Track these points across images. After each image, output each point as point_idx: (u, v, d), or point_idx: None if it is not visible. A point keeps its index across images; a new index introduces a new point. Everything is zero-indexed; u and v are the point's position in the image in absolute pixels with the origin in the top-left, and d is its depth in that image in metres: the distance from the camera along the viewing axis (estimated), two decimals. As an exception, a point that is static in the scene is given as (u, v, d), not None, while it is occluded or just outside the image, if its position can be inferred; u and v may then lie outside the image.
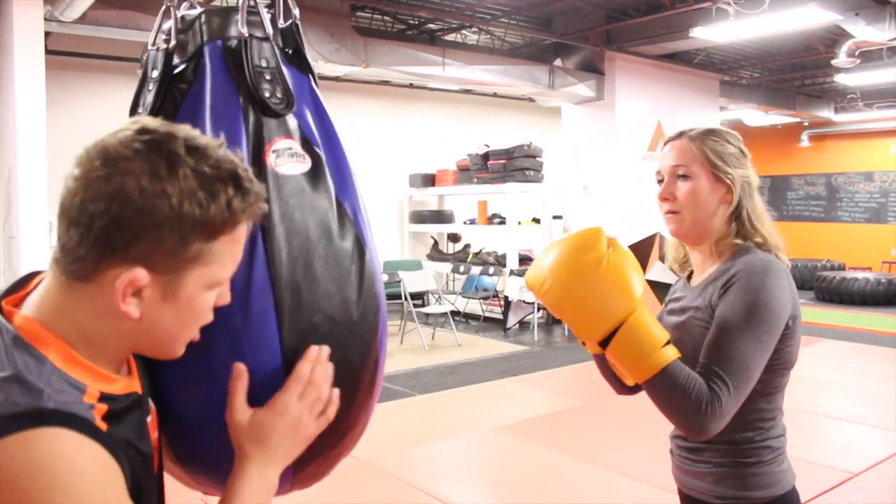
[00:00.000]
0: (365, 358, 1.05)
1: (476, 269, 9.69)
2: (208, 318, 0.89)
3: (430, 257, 10.82)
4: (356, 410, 1.07)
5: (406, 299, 8.34)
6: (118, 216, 0.77)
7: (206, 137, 0.84)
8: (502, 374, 6.81)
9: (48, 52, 5.50)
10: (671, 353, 1.32)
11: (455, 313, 9.18)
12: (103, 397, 0.81)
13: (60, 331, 0.81)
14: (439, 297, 9.33)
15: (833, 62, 8.23)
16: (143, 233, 0.78)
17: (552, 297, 1.34)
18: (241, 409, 0.93)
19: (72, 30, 5.99)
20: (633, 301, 1.30)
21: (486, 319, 9.55)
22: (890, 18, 6.83)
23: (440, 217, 11.05)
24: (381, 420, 5.42)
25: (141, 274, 0.79)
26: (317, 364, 0.97)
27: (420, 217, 11.03)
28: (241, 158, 0.85)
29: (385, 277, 8.50)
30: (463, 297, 9.69)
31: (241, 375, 0.93)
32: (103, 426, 0.78)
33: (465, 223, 10.71)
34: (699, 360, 1.39)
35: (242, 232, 0.86)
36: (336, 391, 0.99)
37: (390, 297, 9.10)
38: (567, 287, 1.32)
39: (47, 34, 5.61)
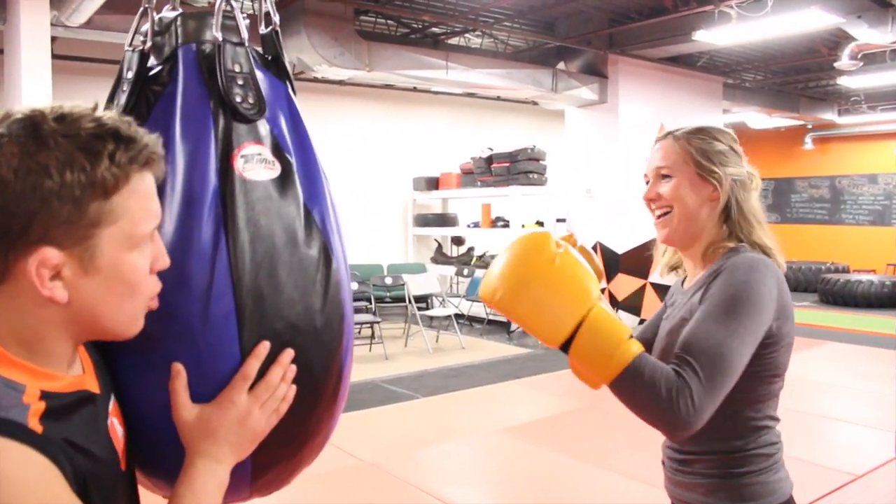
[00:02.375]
0: (328, 366, 1.05)
1: (480, 272, 9.69)
2: (147, 284, 0.86)
3: (434, 260, 10.83)
4: (317, 419, 1.07)
5: (410, 302, 8.35)
6: (4, 206, 0.75)
7: (78, 105, 0.82)
8: (506, 376, 6.83)
9: (54, 56, 5.54)
10: (635, 348, 1.23)
11: (459, 316, 9.19)
12: (44, 395, 0.78)
13: None
14: (443, 299, 9.34)
15: (836, 65, 8.22)
16: (34, 212, 0.75)
17: (506, 305, 1.24)
18: (185, 407, 0.93)
19: (78, 34, 6.04)
20: (590, 298, 1.23)
21: (490, 322, 9.57)
22: (892, 21, 6.83)
23: (444, 220, 11.07)
24: (385, 422, 5.46)
25: (50, 253, 0.76)
26: (273, 363, 0.97)
27: (424, 220, 11.05)
28: (120, 113, 0.84)
29: (389, 280, 8.52)
30: (467, 299, 9.69)
31: (179, 374, 0.93)
32: (38, 428, 0.75)
33: (468, 226, 10.72)
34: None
35: (143, 183, 0.83)
36: (292, 388, 0.99)
37: (395, 299, 9.13)
38: (519, 292, 1.23)
39: (53, 39, 5.65)
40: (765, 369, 1.40)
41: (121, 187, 0.80)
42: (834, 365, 7.12)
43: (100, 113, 0.82)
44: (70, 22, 5.55)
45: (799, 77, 10.77)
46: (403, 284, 8.43)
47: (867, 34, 6.99)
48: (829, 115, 12.61)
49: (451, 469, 4.54)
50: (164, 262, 0.88)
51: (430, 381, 6.68)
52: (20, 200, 0.75)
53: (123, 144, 0.80)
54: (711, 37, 7.12)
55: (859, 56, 7.82)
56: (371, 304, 8.54)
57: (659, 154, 1.53)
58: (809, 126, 13.75)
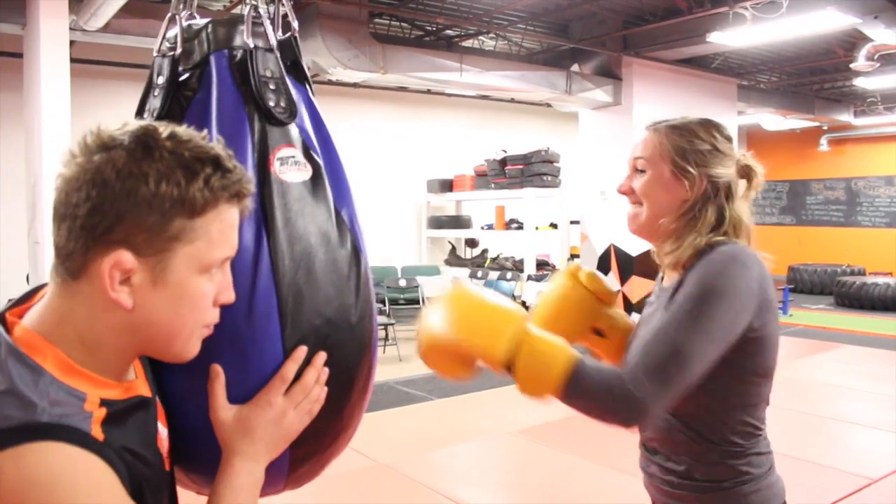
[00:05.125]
0: (360, 361, 1.09)
1: (494, 275, 9.71)
2: (208, 312, 0.88)
3: (448, 262, 10.84)
4: (349, 412, 1.10)
5: (424, 304, 8.37)
6: (98, 202, 0.78)
7: (190, 130, 0.86)
8: (520, 378, 6.81)
9: (73, 60, 5.59)
10: (575, 353, 1.26)
11: (472, 318, 9.17)
12: (103, 403, 0.81)
13: (59, 339, 0.81)
14: (457, 301, 9.33)
15: (852, 66, 8.18)
16: (123, 215, 0.78)
17: (453, 339, 1.26)
18: (223, 407, 0.96)
19: (95, 38, 6.09)
20: (519, 316, 1.26)
21: (504, 324, 9.54)
22: (909, 22, 6.79)
23: (458, 222, 11.08)
24: (399, 424, 5.47)
25: (125, 256, 0.79)
26: (308, 366, 1.00)
27: (438, 222, 11.06)
28: (223, 146, 0.87)
29: (403, 282, 8.55)
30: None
31: (217, 375, 0.96)
32: (100, 435, 0.78)
33: (482, 228, 10.74)
34: None
35: (228, 213, 0.86)
36: (324, 390, 1.01)
37: (409, 301, 9.14)
38: (458, 325, 1.25)
39: (72, 43, 5.70)
40: (750, 372, 1.35)
41: (207, 211, 0.83)
42: (850, 368, 7.07)
43: (206, 141, 0.86)
44: (88, 26, 5.60)
45: (814, 78, 10.70)
46: (417, 286, 8.46)
47: (884, 35, 6.95)
48: (845, 117, 12.51)
49: (465, 471, 4.55)
50: (230, 296, 0.90)
51: (443, 383, 6.68)
52: (114, 200, 0.78)
53: (220, 172, 0.83)
54: (726, 38, 7.09)
55: (876, 57, 7.78)
56: (385, 305, 8.56)
57: (639, 145, 1.48)
58: (825, 127, 13.66)
